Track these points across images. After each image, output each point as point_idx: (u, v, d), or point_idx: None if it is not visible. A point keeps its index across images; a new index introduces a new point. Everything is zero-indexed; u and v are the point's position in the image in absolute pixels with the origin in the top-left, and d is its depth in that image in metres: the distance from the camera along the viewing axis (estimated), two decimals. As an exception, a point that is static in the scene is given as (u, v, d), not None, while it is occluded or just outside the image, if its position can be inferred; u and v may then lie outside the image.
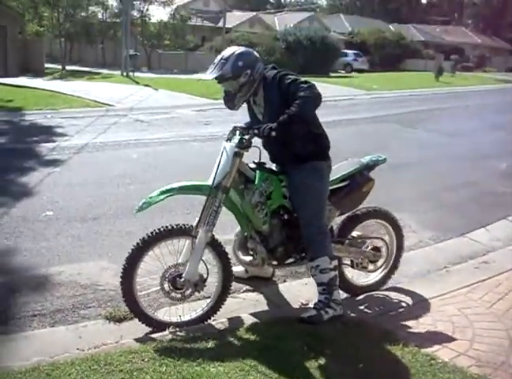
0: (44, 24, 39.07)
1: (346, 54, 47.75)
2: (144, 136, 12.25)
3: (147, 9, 43.54)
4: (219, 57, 4.21)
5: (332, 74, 39.03)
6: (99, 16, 44.40)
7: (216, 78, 4.14)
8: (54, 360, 3.52)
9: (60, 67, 33.77)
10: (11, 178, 8.33)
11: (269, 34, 43.53)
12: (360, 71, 45.27)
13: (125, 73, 29.11)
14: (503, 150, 11.89)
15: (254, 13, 55.82)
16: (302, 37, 39.75)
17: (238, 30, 45.98)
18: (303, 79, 4.08)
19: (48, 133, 12.16)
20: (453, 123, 15.69)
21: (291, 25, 46.76)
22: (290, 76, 4.10)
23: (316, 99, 3.96)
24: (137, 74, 29.02)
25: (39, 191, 7.61)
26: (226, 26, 39.53)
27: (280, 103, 4.03)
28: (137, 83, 25.22)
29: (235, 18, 50.73)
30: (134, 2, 39.34)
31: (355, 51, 49.40)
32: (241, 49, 4.26)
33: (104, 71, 33.82)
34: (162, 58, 43.76)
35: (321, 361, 3.65)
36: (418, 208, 7.55)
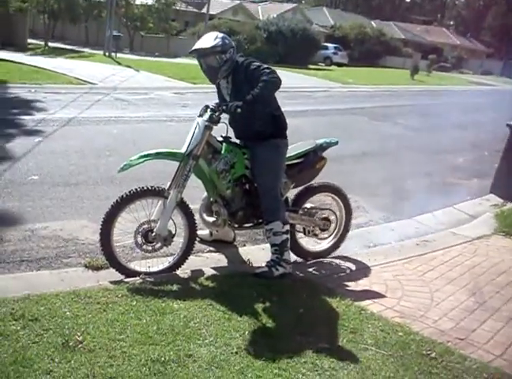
0: (28, 0, 38.83)
1: (326, 47, 47.96)
2: (125, 114, 12.72)
3: (132, -9, 43.61)
4: (205, 36, 4.85)
5: (311, 66, 39.47)
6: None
7: (205, 50, 4.71)
8: (41, 293, 4.10)
9: (43, 43, 33.71)
10: (-2, 145, 8.73)
11: (251, 23, 43.75)
12: (340, 65, 45.61)
13: (107, 53, 29.27)
14: (463, 146, 12.59)
15: (239, 2, 55.90)
16: (283, 28, 40.03)
17: (221, 17, 46.13)
18: (266, 66, 4.71)
19: (33, 106, 12.49)
20: (420, 119, 16.31)
21: (275, 15, 46.97)
22: (255, 63, 4.73)
23: (276, 82, 4.58)
24: (119, 55, 29.16)
25: (25, 158, 8.06)
26: (210, 13, 39.76)
27: (245, 85, 4.65)
28: (119, 63, 25.42)
29: (219, 5, 50.72)
30: (120, -17, 39.44)
31: (335, 45, 49.54)
32: (222, 34, 4.89)
33: (87, 50, 33.83)
34: (144, 40, 43.82)
35: (267, 305, 4.32)
36: (373, 192, 8.17)
